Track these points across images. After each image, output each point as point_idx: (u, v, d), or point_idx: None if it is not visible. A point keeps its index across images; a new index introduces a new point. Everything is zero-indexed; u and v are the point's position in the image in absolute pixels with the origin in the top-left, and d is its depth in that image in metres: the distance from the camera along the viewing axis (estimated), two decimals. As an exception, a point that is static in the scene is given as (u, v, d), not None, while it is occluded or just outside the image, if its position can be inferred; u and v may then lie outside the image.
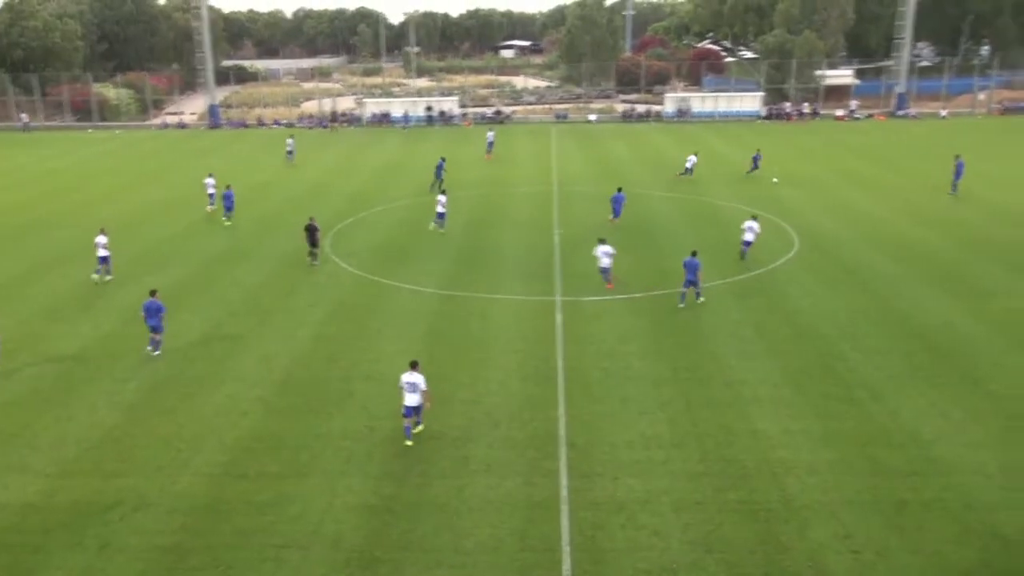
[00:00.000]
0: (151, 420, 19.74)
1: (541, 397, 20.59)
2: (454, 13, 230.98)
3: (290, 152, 58.79)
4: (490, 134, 62.70)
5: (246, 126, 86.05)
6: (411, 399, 18.43)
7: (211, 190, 42.74)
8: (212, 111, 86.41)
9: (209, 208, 42.50)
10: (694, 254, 26.99)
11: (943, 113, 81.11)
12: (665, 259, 32.52)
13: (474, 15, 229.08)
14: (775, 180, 46.37)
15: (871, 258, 32.44)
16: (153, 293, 24.15)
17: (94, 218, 40.07)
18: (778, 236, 35.59)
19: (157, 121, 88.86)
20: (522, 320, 26.12)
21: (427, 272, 31.31)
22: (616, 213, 38.39)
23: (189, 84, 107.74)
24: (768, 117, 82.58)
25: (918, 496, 16.09)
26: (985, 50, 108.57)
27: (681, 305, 27.07)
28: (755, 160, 49.96)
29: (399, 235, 37.27)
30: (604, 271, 29.07)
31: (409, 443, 18.35)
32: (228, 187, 41.03)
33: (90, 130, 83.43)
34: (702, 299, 27.32)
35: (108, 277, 30.94)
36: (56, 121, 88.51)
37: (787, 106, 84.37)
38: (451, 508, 16.00)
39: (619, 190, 39.07)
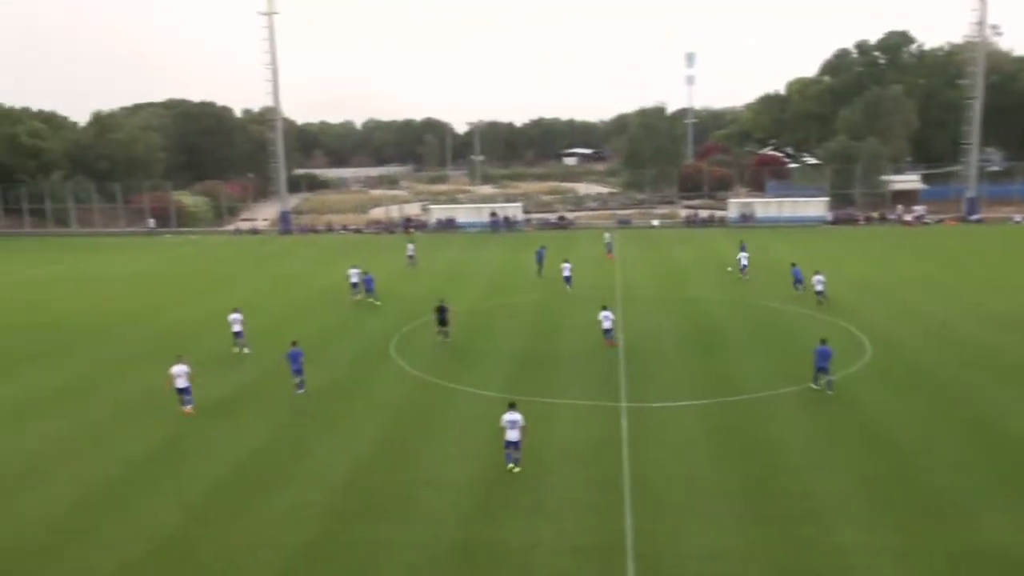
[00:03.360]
0: (214, 523, 19.81)
1: (606, 506, 20.13)
2: (518, 122, 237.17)
3: (411, 256, 60.93)
4: (607, 235, 66.84)
5: (315, 231, 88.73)
6: (512, 435, 21.72)
7: (354, 279, 47.75)
8: (284, 217, 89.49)
9: (355, 297, 46.92)
10: (823, 342, 28.37)
11: (1017, 218, 79.65)
12: (731, 364, 32.04)
13: (538, 124, 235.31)
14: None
15: (946, 364, 31.46)
16: (294, 343, 29.91)
17: (163, 320, 41.42)
18: (848, 342, 34.84)
19: (231, 227, 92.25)
20: (586, 426, 25.81)
21: (490, 376, 31.31)
22: (799, 281, 45.09)
23: (263, 192, 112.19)
24: (834, 222, 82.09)
25: (1012, 621, 15.12)
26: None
27: (821, 389, 28.10)
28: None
29: (463, 338, 37.50)
30: (607, 331, 34.95)
31: (513, 468, 21.75)
32: (367, 273, 47.52)
33: (167, 236, 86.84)
34: (831, 392, 27.93)
35: (246, 350, 35.52)
36: (137, 227, 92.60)
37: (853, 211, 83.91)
38: (514, 621, 15.53)
39: (792, 265, 46.81)
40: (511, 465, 21.87)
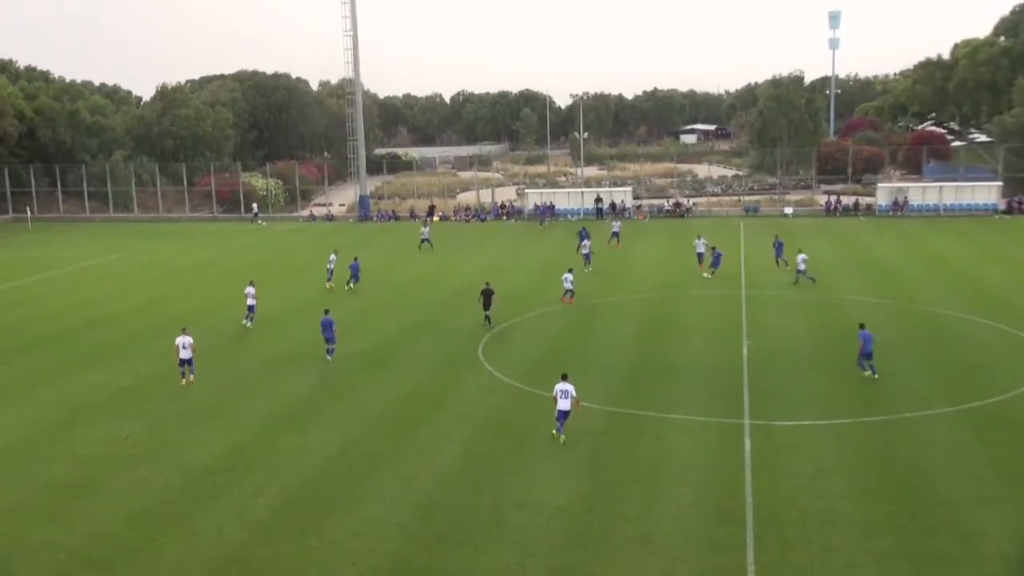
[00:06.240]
0: (281, 541, 20.31)
1: (725, 540, 19.82)
2: (629, 94, 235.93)
3: (425, 239, 65.81)
4: (616, 224, 68.23)
5: (396, 218, 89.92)
6: (563, 404, 25.03)
7: (331, 265, 51.84)
8: (362, 202, 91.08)
9: (328, 284, 51.01)
10: (862, 326, 31.18)
11: None
12: (878, 379, 31.07)
13: (651, 96, 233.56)
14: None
15: None
16: (326, 312, 35.18)
17: (227, 317, 42.73)
18: None
19: (304, 213, 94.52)
20: (702, 445, 25.47)
21: (592, 385, 31.06)
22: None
23: (340, 173, 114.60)
24: (1009, 211, 78.79)
25: None
26: None
27: (869, 375, 30.74)
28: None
29: (561, 342, 37.49)
30: (568, 292, 43.48)
31: (562, 438, 25.06)
32: (355, 259, 51.25)
33: (261, 221, 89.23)
34: (871, 374, 30.73)
35: (248, 323, 40.88)
36: (204, 212, 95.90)
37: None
38: (614, 669, 15.43)
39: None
40: (562, 436, 25.20)
